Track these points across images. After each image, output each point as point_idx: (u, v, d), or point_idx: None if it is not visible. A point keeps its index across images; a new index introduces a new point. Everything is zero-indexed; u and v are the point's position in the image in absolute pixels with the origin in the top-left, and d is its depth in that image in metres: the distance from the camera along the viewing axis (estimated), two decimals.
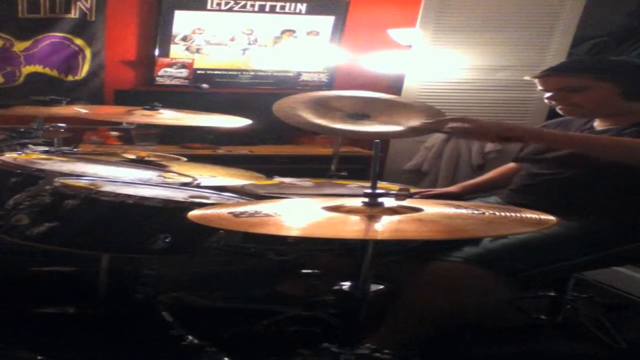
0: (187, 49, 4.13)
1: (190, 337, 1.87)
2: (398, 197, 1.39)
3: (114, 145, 3.87)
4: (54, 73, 4.00)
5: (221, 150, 3.93)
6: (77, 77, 4.05)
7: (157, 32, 4.04)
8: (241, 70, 4.26)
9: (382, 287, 1.48)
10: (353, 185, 2.44)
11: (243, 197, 1.98)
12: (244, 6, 4.05)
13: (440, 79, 3.86)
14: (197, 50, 4.15)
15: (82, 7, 3.90)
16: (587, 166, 1.99)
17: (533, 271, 1.92)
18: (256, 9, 4.08)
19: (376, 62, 4.10)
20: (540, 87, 2.12)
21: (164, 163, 2.48)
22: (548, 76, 2.09)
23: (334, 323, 2.01)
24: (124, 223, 1.73)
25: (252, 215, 1.42)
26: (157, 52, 4.09)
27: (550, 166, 2.08)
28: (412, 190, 2.34)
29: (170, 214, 1.72)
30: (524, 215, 1.37)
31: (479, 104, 3.86)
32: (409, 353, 1.80)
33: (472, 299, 1.81)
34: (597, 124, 2.10)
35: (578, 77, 2.04)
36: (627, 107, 2.02)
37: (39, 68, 3.98)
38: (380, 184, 1.48)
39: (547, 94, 2.10)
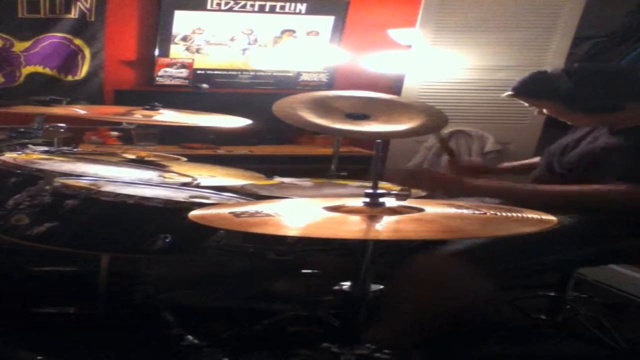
0: (187, 49, 4.13)
1: (190, 337, 1.88)
2: (398, 197, 1.39)
3: (114, 145, 3.86)
4: (54, 73, 4.00)
5: (221, 150, 3.93)
6: (77, 77, 4.05)
7: (157, 32, 4.04)
8: (241, 70, 4.26)
9: (382, 287, 1.48)
10: (354, 185, 2.44)
11: (243, 197, 1.98)
12: (244, 6, 4.05)
13: (440, 79, 3.85)
14: (197, 50, 4.15)
15: (82, 7, 3.90)
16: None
17: (526, 266, 1.93)
18: (256, 9, 4.08)
19: (376, 62, 4.10)
20: None
21: (164, 163, 2.48)
22: (510, 96, 2.14)
23: (334, 323, 2.01)
24: (124, 223, 1.73)
25: (252, 215, 1.42)
26: (157, 52, 4.09)
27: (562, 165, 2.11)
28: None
29: (170, 214, 1.72)
30: (524, 215, 1.37)
31: (479, 104, 3.86)
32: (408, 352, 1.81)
33: (457, 293, 1.82)
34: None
35: (523, 98, 2.11)
36: (591, 118, 2.03)
37: (39, 68, 3.98)
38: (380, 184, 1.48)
39: None
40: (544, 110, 2.10)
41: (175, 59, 4.14)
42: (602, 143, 1.99)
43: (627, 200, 1.86)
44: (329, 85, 4.35)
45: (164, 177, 2.17)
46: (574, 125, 2.16)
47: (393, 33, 4.08)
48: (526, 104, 2.13)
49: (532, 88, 2.09)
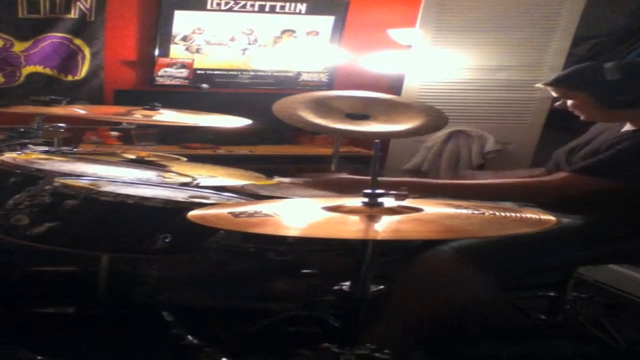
0: (187, 49, 4.13)
1: (189, 337, 1.88)
2: (398, 197, 1.39)
3: (114, 145, 3.86)
4: (54, 73, 4.00)
5: (221, 150, 3.93)
6: (77, 77, 4.05)
7: (157, 32, 4.04)
8: (241, 70, 4.26)
9: (382, 287, 1.48)
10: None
11: (243, 197, 1.98)
12: (244, 6, 4.05)
13: (440, 79, 3.85)
14: (197, 50, 4.15)
15: (82, 7, 3.90)
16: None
17: (527, 266, 1.94)
18: (256, 9, 4.08)
19: (376, 62, 4.10)
20: None
21: (164, 163, 2.47)
22: (548, 85, 2.12)
23: (334, 323, 2.01)
24: (124, 223, 1.73)
25: (251, 215, 1.42)
26: (157, 52, 4.09)
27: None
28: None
29: (170, 214, 1.72)
30: (523, 215, 1.36)
31: (479, 104, 3.86)
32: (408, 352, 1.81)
33: (457, 292, 1.82)
34: (627, 126, 2.10)
35: (559, 88, 2.09)
36: (614, 114, 2.02)
37: (39, 68, 3.98)
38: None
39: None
40: (568, 102, 2.08)
41: (175, 59, 4.14)
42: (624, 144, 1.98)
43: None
44: (329, 85, 4.35)
45: (164, 177, 2.17)
46: (595, 121, 2.14)
47: (393, 33, 4.08)
48: (554, 95, 2.11)
49: (572, 78, 2.07)
